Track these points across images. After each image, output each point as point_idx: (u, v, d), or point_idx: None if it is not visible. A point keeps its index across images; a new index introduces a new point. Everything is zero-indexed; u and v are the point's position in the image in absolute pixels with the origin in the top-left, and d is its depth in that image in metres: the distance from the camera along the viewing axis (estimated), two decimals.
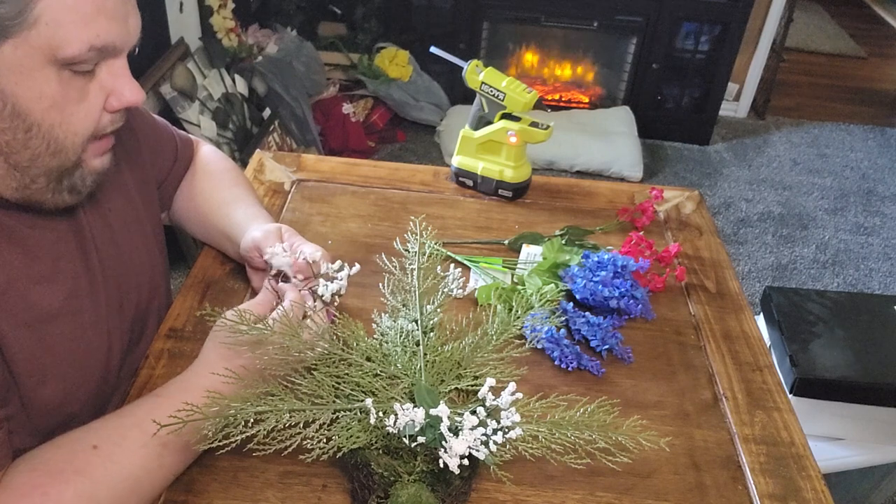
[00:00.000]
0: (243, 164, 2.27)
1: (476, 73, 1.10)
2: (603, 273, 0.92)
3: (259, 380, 0.67)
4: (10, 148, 0.61)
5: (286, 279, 0.80)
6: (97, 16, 0.59)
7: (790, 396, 1.33)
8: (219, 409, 0.62)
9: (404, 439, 0.62)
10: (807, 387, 1.33)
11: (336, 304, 0.80)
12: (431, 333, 0.74)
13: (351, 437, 0.64)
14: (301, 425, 0.64)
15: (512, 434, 0.62)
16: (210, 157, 1.01)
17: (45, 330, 0.68)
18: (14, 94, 0.58)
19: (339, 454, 0.63)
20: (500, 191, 1.16)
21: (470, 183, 1.17)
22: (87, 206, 0.76)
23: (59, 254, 0.71)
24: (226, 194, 0.96)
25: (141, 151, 0.88)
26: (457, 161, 1.17)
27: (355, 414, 0.65)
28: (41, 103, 0.60)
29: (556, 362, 0.86)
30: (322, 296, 0.79)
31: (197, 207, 0.97)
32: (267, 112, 2.62)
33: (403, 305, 0.78)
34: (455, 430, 0.61)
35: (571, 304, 0.92)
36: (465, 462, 0.61)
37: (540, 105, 1.11)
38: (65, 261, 0.71)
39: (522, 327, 0.82)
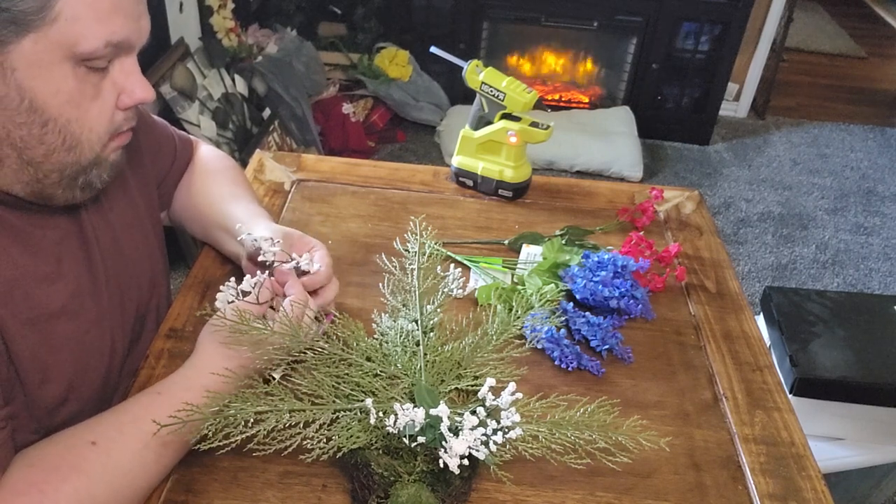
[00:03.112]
0: (243, 164, 2.26)
1: (476, 73, 1.10)
2: (603, 273, 0.93)
3: (258, 378, 0.68)
4: (24, 143, 0.62)
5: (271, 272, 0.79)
6: (114, 13, 0.61)
7: (790, 396, 1.33)
8: (218, 409, 0.62)
9: (404, 439, 0.62)
10: (807, 387, 1.34)
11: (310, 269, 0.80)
12: (431, 333, 0.74)
13: (351, 437, 0.64)
14: (301, 425, 0.64)
15: (512, 434, 0.62)
16: (208, 156, 1.01)
17: (48, 329, 0.68)
18: (32, 88, 0.59)
19: (339, 454, 0.63)
20: (500, 191, 1.16)
21: (470, 183, 1.17)
22: (89, 205, 0.76)
23: (63, 253, 0.71)
24: (223, 193, 0.96)
25: (141, 151, 0.88)
26: (457, 161, 1.17)
27: (355, 414, 0.65)
28: (58, 98, 0.61)
29: (556, 362, 0.86)
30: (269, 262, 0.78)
31: (195, 206, 0.97)
32: (267, 112, 2.62)
33: (403, 305, 0.78)
34: (455, 430, 0.61)
35: (571, 304, 0.92)
36: (465, 462, 0.61)
37: (540, 105, 1.11)
38: (68, 260, 0.72)
39: (522, 327, 0.82)
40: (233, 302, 0.74)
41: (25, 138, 0.62)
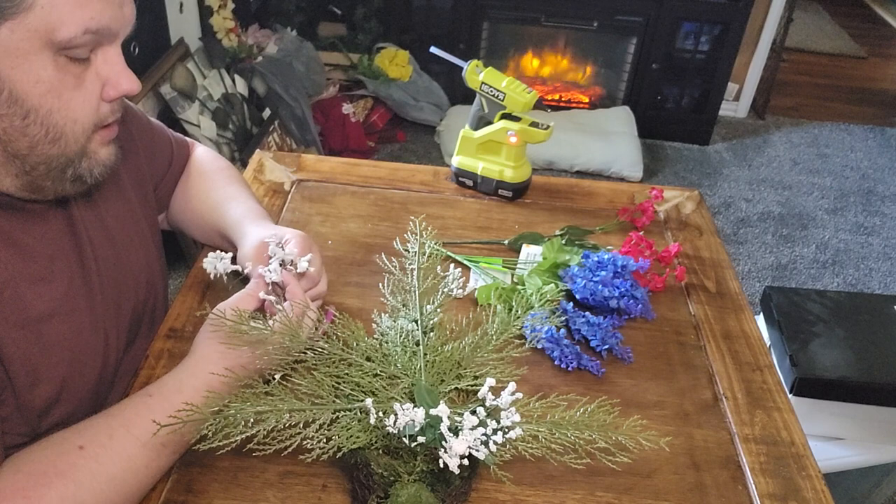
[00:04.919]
0: (243, 164, 2.27)
1: (476, 73, 1.10)
2: (603, 273, 0.93)
3: (257, 378, 0.67)
4: (8, 136, 0.61)
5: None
6: None
7: (790, 396, 1.33)
8: (217, 410, 0.62)
9: (404, 439, 0.62)
10: (807, 387, 1.33)
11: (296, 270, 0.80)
12: (431, 333, 0.74)
13: (351, 437, 0.64)
14: (301, 425, 0.64)
15: (512, 434, 0.62)
16: (204, 157, 1.01)
17: (40, 330, 0.68)
18: (11, 78, 0.59)
19: (339, 454, 0.63)
20: (500, 191, 1.16)
21: (470, 183, 1.17)
22: (82, 205, 0.76)
23: (55, 254, 0.71)
24: (220, 194, 0.96)
25: (137, 151, 0.88)
26: (457, 161, 1.17)
27: (355, 414, 0.65)
28: (38, 88, 0.60)
29: (556, 362, 0.86)
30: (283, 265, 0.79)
31: (193, 209, 0.97)
32: (267, 112, 2.62)
33: (403, 305, 0.78)
34: (455, 430, 0.61)
35: (571, 304, 0.92)
36: (465, 462, 0.61)
37: (540, 105, 1.11)
38: (60, 261, 0.71)
39: (522, 327, 0.82)
40: (222, 261, 0.79)
41: (8, 130, 0.61)
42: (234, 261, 0.81)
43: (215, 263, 0.79)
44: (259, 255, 0.81)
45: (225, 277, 0.80)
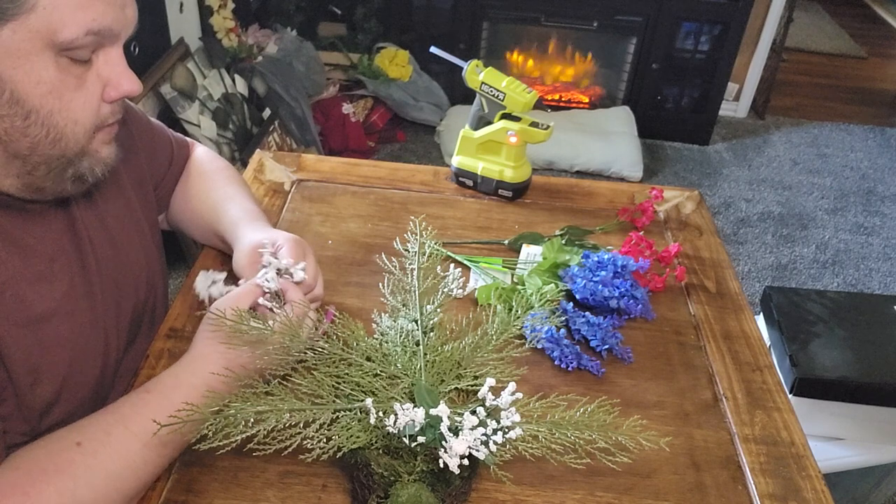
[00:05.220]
0: (243, 164, 2.27)
1: (476, 73, 1.10)
2: (603, 273, 0.93)
3: (256, 377, 0.67)
4: (8, 136, 0.61)
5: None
6: (94, 0, 0.60)
7: (790, 396, 1.33)
8: (217, 409, 0.62)
9: (404, 439, 0.62)
10: (807, 387, 1.34)
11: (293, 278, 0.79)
12: (431, 333, 0.74)
13: (351, 437, 0.64)
14: (301, 425, 0.64)
15: (512, 434, 0.62)
16: (204, 157, 1.01)
17: (41, 330, 0.68)
18: (12, 79, 0.59)
19: (339, 454, 0.63)
20: (500, 191, 1.16)
21: (470, 183, 1.17)
22: (83, 205, 0.76)
23: (55, 254, 0.71)
24: (219, 194, 0.96)
25: (137, 151, 0.88)
26: (457, 161, 1.17)
27: (355, 414, 0.65)
28: (39, 88, 0.60)
29: (556, 362, 0.86)
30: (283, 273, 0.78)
31: (192, 209, 0.97)
32: (267, 112, 2.62)
33: (403, 305, 0.78)
34: (455, 430, 0.61)
35: (571, 304, 0.92)
36: (465, 462, 0.61)
37: (540, 105, 1.11)
38: (61, 261, 0.72)
39: (522, 327, 0.82)
40: (214, 284, 0.78)
41: (9, 131, 0.61)
42: (227, 280, 0.81)
43: (207, 286, 0.79)
44: (253, 261, 0.81)
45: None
